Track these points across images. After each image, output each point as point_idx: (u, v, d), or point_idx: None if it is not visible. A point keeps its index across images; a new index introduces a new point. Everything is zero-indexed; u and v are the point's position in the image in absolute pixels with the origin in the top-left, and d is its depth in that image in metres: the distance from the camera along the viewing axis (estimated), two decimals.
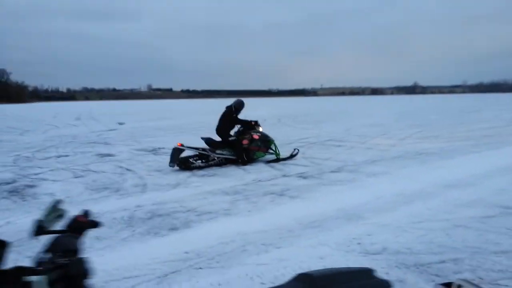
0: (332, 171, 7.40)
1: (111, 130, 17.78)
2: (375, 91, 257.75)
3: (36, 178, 7.18)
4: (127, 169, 7.92)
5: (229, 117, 8.42)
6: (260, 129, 8.87)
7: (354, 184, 6.37)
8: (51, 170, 8.00)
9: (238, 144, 8.39)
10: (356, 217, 4.68)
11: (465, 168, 7.35)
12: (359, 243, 3.86)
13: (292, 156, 8.91)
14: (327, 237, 4.01)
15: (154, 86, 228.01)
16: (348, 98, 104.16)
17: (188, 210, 5.06)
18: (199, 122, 22.28)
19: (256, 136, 8.55)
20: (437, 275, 3.17)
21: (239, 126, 8.74)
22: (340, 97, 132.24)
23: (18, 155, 10.15)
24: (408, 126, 16.80)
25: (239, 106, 8.59)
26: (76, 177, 7.25)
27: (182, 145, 7.78)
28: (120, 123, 21.77)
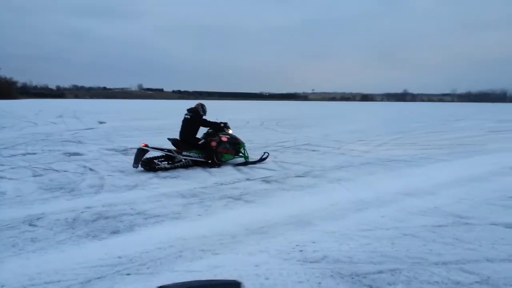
0: (297, 176, 7.30)
1: (89, 129, 17.52)
2: (366, 97, 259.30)
3: None
4: (90, 169, 7.74)
5: (197, 120, 8.27)
6: (230, 131, 8.75)
7: (314, 189, 6.28)
8: (12, 168, 7.78)
9: (206, 145, 8.25)
10: (305, 223, 4.57)
11: (430, 176, 7.30)
12: (301, 251, 3.75)
13: (261, 159, 8.80)
14: (270, 244, 3.89)
15: (145, 86, 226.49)
16: (337, 104, 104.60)
17: (137, 213, 4.91)
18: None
19: (224, 138, 8.42)
20: (370, 286, 3.06)
21: (208, 128, 8.60)
22: (330, 103, 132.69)
23: None
24: (388, 133, 16.80)
25: (206, 108, 8.46)
26: (34, 176, 7.05)
27: (146, 145, 7.62)
28: (101, 122, 21.50)
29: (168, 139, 8.31)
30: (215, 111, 40.93)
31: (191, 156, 8.02)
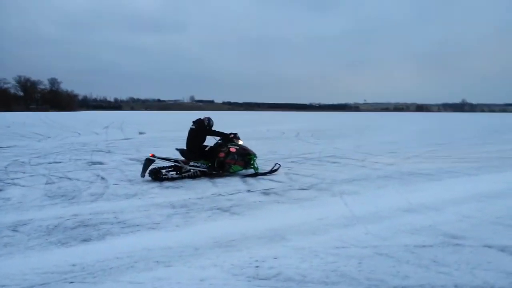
0: (301, 189, 7.10)
1: (126, 139, 18.17)
2: (421, 108, 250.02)
3: (8, 183, 7.36)
4: (102, 178, 7.98)
5: (202, 131, 8.31)
6: (240, 142, 8.70)
7: (310, 203, 6.07)
8: (31, 175, 8.19)
9: (214, 155, 8.26)
10: (279, 238, 4.41)
11: (443, 191, 6.84)
12: (257, 267, 3.61)
13: (272, 171, 8.66)
14: (229, 258, 3.78)
15: (197, 98, 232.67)
16: (389, 114, 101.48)
17: (118, 222, 4.96)
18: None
19: (233, 149, 8.39)
20: None
21: (218, 138, 8.61)
22: (381, 113, 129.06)
23: (17, 160, 10.51)
24: (426, 144, 16.03)
25: (212, 122, 8.49)
26: (47, 184, 7.37)
27: (153, 155, 7.74)
28: (141, 133, 22.24)
29: (176, 149, 8.41)
30: (254, 122, 41.18)
31: (198, 167, 8.04)
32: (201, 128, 8.45)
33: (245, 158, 8.57)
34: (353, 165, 10.15)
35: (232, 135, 8.66)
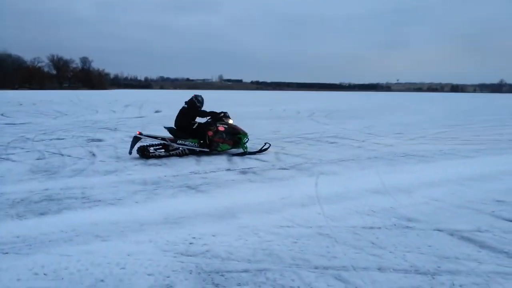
0: (282, 168, 7.08)
1: (139, 117, 18.49)
2: (456, 88, 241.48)
3: (1, 158, 7.66)
4: (93, 154, 8.19)
5: (192, 110, 8.35)
6: (230, 121, 8.70)
7: (283, 182, 6.05)
8: (27, 151, 8.50)
9: (203, 133, 8.31)
10: (229, 216, 4.44)
11: (427, 173, 6.70)
12: (190, 243, 3.66)
13: (261, 150, 8.65)
14: (167, 235, 3.84)
15: (225, 77, 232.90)
16: (419, 95, 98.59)
17: (83, 197, 5.11)
18: (236, 113, 22.38)
19: (221, 128, 8.41)
20: (216, 285, 2.90)
21: (207, 118, 8.64)
22: (412, 93, 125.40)
23: (23, 136, 10.91)
24: (439, 126, 15.56)
25: (202, 99, 8.49)
26: (37, 159, 7.64)
27: (141, 133, 7.86)
28: (157, 111, 22.55)
29: (164, 127, 8.50)
30: (275, 101, 40.93)
31: (186, 145, 8.11)
32: (192, 108, 8.49)
33: (235, 137, 8.57)
34: (350, 145, 10.00)
35: (222, 114, 8.65)
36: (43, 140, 10.21)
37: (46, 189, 5.45)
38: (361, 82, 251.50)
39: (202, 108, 8.60)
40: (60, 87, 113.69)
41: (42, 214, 4.47)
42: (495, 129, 14.39)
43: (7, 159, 7.57)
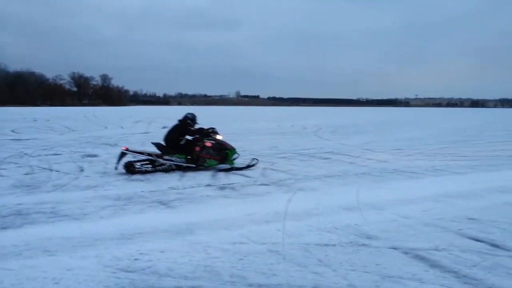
0: (263, 184, 7.05)
1: (144, 133, 18.75)
2: (476, 103, 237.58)
3: None
4: (81, 170, 8.31)
5: (183, 128, 8.43)
6: (218, 137, 8.73)
7: (257, 198, 6.04)
8: (19, 166, 8.68)
9: (190, 149, 8.36)
10: (187, 232, 4.43)
11: (408, 190, 6.62)
12: (136, 259, 3.66)
13: (248, 166, 8.63)
14: (115, 250, 3.85)
15: (242, 93, 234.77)
16: (436, 110, 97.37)
17: (51, 212, 5.17)
18: (242, 128, 22.57)
19: (208, 144, 8.44)
20: None
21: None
22: (429, 109, 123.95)
23: (21, 152, 11.16)
24: (443, 141, 15.31)
25: (194, 117, 8.58)
26: (25, 174, 7.79)
27: (127, 149, 7.95)
28: (164, 127, 22.76)
29: (152, 143, 8.58)
30: (286, 117, 40.94)
31: (172, 160, 8.16)
32: (184, 125, 8.57)
33: (222, 152, 8.58)
34: (342, 161, 9.90)
35: (210, 130, 8.70)
36: (39, 155, 10.42)
37: (19, 204, 5.54)
38: (379, 97, 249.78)
39: (195, 126, 8.65)
40: (80, 103, 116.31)
41: (4, 228, 4.54)
42: (500, 145, 14.07)
43: None
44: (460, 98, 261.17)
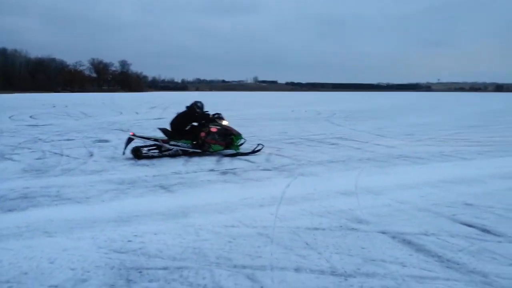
0: (265, 169, 7.14)
1: (159, 118, 18.96)
2: (501, 88, 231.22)
3: (5, 157, 8.13)
4: (91, 155, 8.53)
5: (190, 115, 8.56)
6: (224, 123, 8.82)
7: (257, 183, 6.15)
8: (32, 151, 8.96)
9: (195, 134, 8.49)
10: (181, 215, 4.56)
11: (410, 175, 6.64)
12: (129, 241, 3.81)
13: (253, 151, 8.72)
14: (110, 232, 4.00)
15: (260, 78, 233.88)
16: (458, 94, 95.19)
17: (55, 196, 5.37)
18: (254, 114, 22.64)
19: (213, 129, 8.54)
20: (128, 280, 3.03)
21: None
22: (452, 93, 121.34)
23: (36, 137, 11.48)
24: (457, 127, 15.08)
25: (202, 105, 8.69)
26: (36, 159, 8.05)
27: (134, 134, 8.12)
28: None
29: (158, 128, 8.73)
30: (301, 102, 40.71)
31: (178, 146, 8.30)
32: (191, 113, 8.69)
33: (228, 138, 8.68)
34: (350, 147, 9.89)
35: (215, 115, 8.80)
36: (52, 140, 10.71)
37: (27, 187, 5.75)
38: (401, 82, 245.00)
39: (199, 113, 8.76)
40: (100, 89, 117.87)
41: (9, 210, 4.74)
42: None
43: (9, 159, 8.01)
44: (484, 83, 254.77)
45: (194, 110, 8.62)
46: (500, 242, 3.76)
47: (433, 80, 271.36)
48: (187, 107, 8.72)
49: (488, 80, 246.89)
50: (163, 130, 8.49)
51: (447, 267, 3.24)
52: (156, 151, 8.31)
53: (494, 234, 3.96)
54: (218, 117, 8.77)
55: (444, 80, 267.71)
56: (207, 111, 8.92)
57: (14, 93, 66.49)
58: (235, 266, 3.24)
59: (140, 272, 3.15)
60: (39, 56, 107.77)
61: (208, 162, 7.86)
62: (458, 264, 3.28)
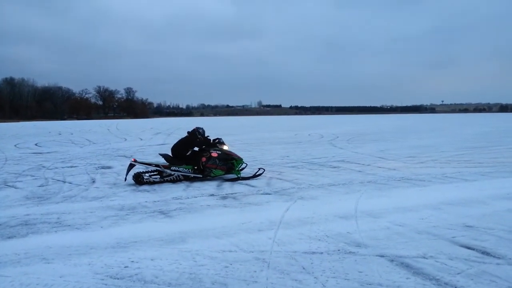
0: (265, 193, 7.15)
1: (162, 144, 19.10)
2: (505, 108, 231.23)
3: (8, 185, 8.21)
4: (93, 181, 8.59)
5: (192, 141, 8.65)
6: (225, 147, 8.89)
7: (256, 207, 6.16)
8: (35, 179, 9.04)
9: (196, 159, 8.54)
10: (179, 240, 4.57)
11: (411, 198, 6.63)
12: (126, 267, 3.82)
13: (255, 175, 8.74)
14: (108, 258, 4.01)
15: (265, 103, 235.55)
16: (461, 116, 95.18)
17: (56, 222, 5.40)
18: (257, 138, 22.73)
19: (214, 154, 8.60)
20: None
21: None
22: (455, 115, 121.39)
23: (40, 164, 11.59)
24: (459, 148, 15.04)
25: (204, 131, 8.79)
26: (39, 186, 8.11)
27: (135, 160, 8.19)
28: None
29: (159, 154, 8.80)
30: (304, 126, 40.86)
31: (179, 171, 8.35)
32: (192, 138, 8.79)
33: (228, 163, 8.72)
34: (351, 169, 9.89)
35: (216, 140, 8.87)
36: (56, 168, 10.80)
37: (27, 215, 5.80)
38: (404, 104, 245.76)
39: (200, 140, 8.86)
40: (106, 116, 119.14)
41: (9, 237, 4.77)
42: None
43: (12, 186, 8.08)
44: (488, 103, 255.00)
45: (196, 136, 8.71)
46: (499, 264, 3.72)
47: (437, 101, 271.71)
48: (189, 132, 8.81)
49: (492, 100, 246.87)
50: (164, 156, 8.56)
51: None
52: (158, 176, 8.36)
53: (494, 256, 3.92)
54: (218, 142, 8.85)
55: (448, 101, 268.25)
56: (208, 136, 8.97)
57: (21, 121, 67.30)
58: None
59: None
60: (46, 84, 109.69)
61: (209, 187, 7.88)
62: (455, 287, 3.24)
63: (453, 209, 5.73)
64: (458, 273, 3.52)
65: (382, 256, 3.98)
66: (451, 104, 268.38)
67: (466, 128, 33.01)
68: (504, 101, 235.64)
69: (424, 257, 3.92)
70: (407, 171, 9.40)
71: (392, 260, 3.86)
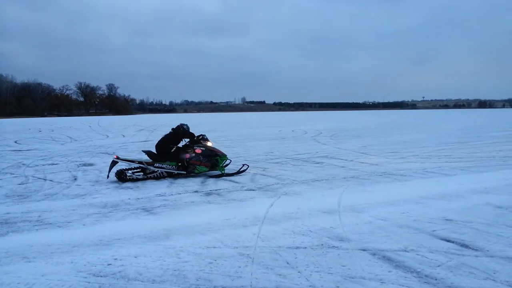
0: (249, 189, 7.16)
1: (145, 141, 18.91)
2: (484, 104, 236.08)
3: None
4: (74, 179, 8.46)
5: (176, 136, 8.60)
6: (208, 144, 8.86)
7: (240, 203, 6.17)
8: (15, 176, 8.87)
9: (180, 156, 8.50)
10: (163, 237, 4.56)
11: (392, 193, 6.70)
12: (109, 264, 3.78)
13: (239, 172, 8.74)
14: (91, 256, 3.97)
15: (248, 99, 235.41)
16: (441, 112, 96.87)
17: (36, 221, 5.31)
18: (241, 134, 22.71)
19: (198, 150, 8.57)
20: None
21: (187, 140, 8.85)
22: (435, 111, 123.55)
23: (20, 162, 11.36)
24: (440, 143, 15.30)
25: (188, 127, 8.75)
26: (19, 184, 7.96)
27: (118, 157, 8.10)
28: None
29: (143, 151, 8.73)
30: (287, 122, 41.02)
31: (163, 168, 8.29)
32: (177, 134, 8.74)
33: (212, 159, 8.70)
34: (334, 165, 9.98)
35: (200, 137, 8.84)
36: (36, 165, 10.62)
37: (7, 213, 5.69)
38: (386, 100, 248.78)
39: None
40: (87, 113, 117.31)
41: None
42: (497, 146, 14.03)
43: None
44: (467, 99, 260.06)
45: (180, 132, 8.66)
46: (477, 256, 3.81)
47: (418, 98, 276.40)
48: (173, 129, 8.76)
49: (471, 97, 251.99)
50: (147, 153, 8.49)
51: (425, 282, 3.27)
52: (141, 173, 8.29)
53: (472, 249, 4.02)
54: (202, 138, 8.82)
55: (429, 97, 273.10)
56: (191, 133, 8.94)
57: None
58: (214, 287, 3.23)
59: None
60: (25, 80, 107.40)
61: (193, 183, 7.86)
62: (436, 279, 3.32)
63: (434, 203, 5.84)
64: (438, 266, 3.60)
65: (364, 250, 4.04)
66: (431, 100, 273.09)
67: (446, 123, 33.59)
68: (482, 97, 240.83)
69: (405, 251, 3.99)
70: (389, 166, 9.53)
71: (374, 254, 3.92)
